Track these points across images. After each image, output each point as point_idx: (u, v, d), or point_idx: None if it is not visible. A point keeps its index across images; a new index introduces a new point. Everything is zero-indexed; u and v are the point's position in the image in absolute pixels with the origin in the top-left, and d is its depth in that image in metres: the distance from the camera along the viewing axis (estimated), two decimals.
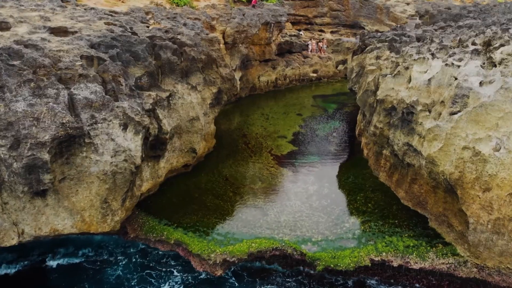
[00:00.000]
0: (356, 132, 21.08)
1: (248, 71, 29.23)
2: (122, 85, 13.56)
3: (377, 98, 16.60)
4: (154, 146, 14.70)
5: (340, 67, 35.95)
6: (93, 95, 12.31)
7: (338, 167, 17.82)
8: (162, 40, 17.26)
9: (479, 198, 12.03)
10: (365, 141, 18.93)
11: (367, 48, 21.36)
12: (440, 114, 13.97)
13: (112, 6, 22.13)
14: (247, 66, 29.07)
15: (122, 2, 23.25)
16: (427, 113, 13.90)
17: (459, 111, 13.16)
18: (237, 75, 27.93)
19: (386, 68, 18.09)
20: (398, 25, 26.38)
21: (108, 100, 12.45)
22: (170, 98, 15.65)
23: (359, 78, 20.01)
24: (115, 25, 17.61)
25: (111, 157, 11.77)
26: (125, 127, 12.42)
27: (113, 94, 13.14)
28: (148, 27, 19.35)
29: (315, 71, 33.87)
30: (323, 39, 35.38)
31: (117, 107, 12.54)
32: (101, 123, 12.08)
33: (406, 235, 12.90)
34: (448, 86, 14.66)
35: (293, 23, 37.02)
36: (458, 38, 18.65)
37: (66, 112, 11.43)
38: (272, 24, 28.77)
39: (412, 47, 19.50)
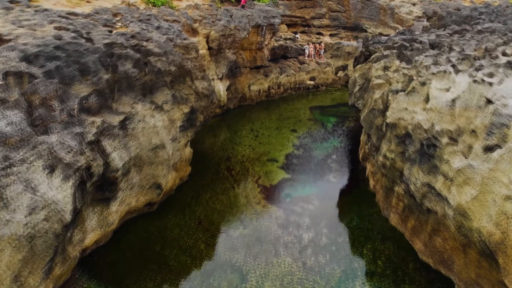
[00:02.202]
0: (360, 155, 17.88)
1: (237, 79, 26.03)
2: (55, 111, 10.35)
3: (387, 121, 13.40)
4: (101, 187, 11.49)
5: (340, 73, 32.78)
6: (9, 128, 9.10)
7: (339, 204, 14.63)
8: (123, 48, 14.05)
9: None
10: (372, 170, 15.75)
11: (372, 56, 18.16)
12: (470, 147, 10.80)
13: (74, 7, 18.90)
14: (235, 74, 25.87)
15: (87, 2, 20.02)
16: (455, 147, 10.70)
17: (496, 145, 10.01)
18: (224, 84, 24.75)
19: (397, 82, 14.90)
20: (407, 29, 23.22)
21: (29, 134, 9.24)
22: (127, 122, 12.43)
23: (364, 93, 16.82)
24: (67, 29, 14.41)
25: (26, 215, 8.54)
26: (51, 170, 9.20)
27: (41, 124, 9.94)
28: (110, 31, 16.13)
29: (312, 79, 30.68)
30: (321, 43, 32.20)
31: (42, 143, 9.32)
32: (18, 166, 8.86)
33: None
34: (478, 109, 11.52)
35: (288, 25, 33.84)
36: (484, 46, 15.49)
37: None
38: (264, 27, 25.57)
39: (427, 56, 16.33)
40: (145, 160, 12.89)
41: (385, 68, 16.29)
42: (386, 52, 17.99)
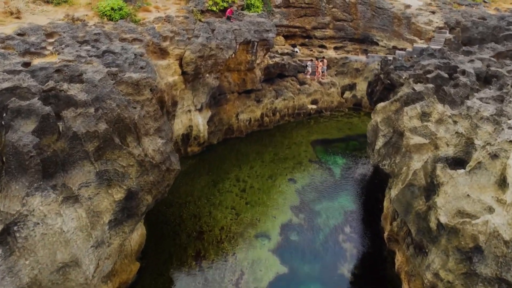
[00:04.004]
0: (385, 232, 12.83)
1: (221, 108, 21.06)
2: None
3: (441, 219, 8.40)
4: None
5: (347, 94, 27.81)
6: None
7: None
8: (29, 95, 9.12)
9: None
10: (406, 268, 10.74)
11: (399, 94, 13.16)
12: None
13: None
14: (220, 102, 20.90)
15: (17, 17, 15.03)
16: None
17: None
18: (204, 115, 19.77)
19: (447, 144, 9.93)
20: (437, 49, 18.21)
21: None
22: (15, 229, 7.48)
23: (393, 152, 11.78)
24: None
25: None
26: None
27: None
28: (27, 64, 11.19)
29: (314, 102, 25.70)
30: (323, 58, 27.18)
31: None
32: None
33: None
34: None
35: (286, 37, 28.84)
36: None
37: None
38: (256, 43, 20.61)
39: (482, 99, 11.39)
40: (46, 286, 7.90)
41: (423, 115, 11.31)
42: (418, 87, 13.02)
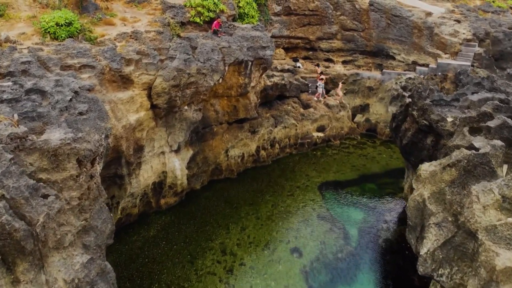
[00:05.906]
0: None
1: (206, 144, 16.92)
2: None
3: None
4: None
5: (358, 117, 23.71)
6: None
7: None
8: None
9: None
10: None
11: (455, 156, 9.01)
12: None
13: None
14: (204, 137, 16.76)
15: None
16: None
17: None
18: (184, 156, 15.64)
19: None
20: (485, 76, 14.05)
21: None
22: None
23: (455, 256, 7.58)
24: None
25: None
26: None
27: None
28: None
29: (320, 129, 21.58)
30: (321, 73, 22.90)
31: None
32: None
33: None
34: None
35: (286, 49, 24.74)
36: None
37: None
38: (250, 63, 16.50)
39: None
40: None
41: (504, 201, 7.20)
42: (481, 145, 8.97)
